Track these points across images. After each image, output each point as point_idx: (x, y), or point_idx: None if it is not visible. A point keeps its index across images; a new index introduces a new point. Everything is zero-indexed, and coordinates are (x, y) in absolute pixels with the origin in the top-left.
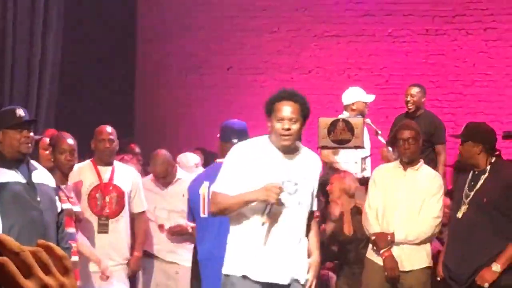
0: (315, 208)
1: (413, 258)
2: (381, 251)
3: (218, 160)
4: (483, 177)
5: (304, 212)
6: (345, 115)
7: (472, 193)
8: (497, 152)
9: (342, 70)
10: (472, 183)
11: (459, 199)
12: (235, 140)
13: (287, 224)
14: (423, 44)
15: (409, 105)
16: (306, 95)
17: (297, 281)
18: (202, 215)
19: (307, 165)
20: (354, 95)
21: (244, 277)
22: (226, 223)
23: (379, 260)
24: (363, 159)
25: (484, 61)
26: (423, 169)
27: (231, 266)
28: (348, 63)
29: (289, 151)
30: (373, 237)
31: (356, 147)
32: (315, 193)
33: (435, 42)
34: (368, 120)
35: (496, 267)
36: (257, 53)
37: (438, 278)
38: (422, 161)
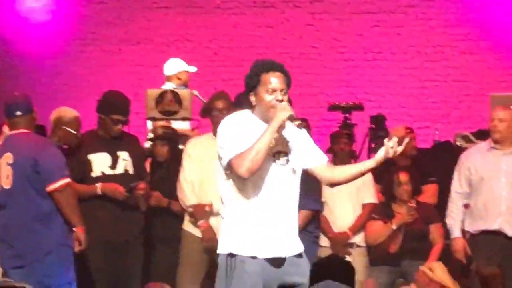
0: (325, 157)
1: None
2: (199, 222)
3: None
4: None
5: (297, 181)
6: (168, 86)
7: None
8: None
9: (170, 42)
10: None
11: None
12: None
13: (286, 195)
14: (251, 16)
15: None
16: (134, 66)
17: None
18: None
19: (292, 132)
20: (178, 65)
21: (253, 257)
22: None
23: (197, 232)
24: (191, 130)
25: (311, 33)
26: None
27: (237, 245)
28: (177, 34)
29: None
30: (190, 209)
31: (184, 119)
32: (313, 149)
33: (263, 15)
34: (195, 92)
35: None
36: (84, 24)
37: None
38: None
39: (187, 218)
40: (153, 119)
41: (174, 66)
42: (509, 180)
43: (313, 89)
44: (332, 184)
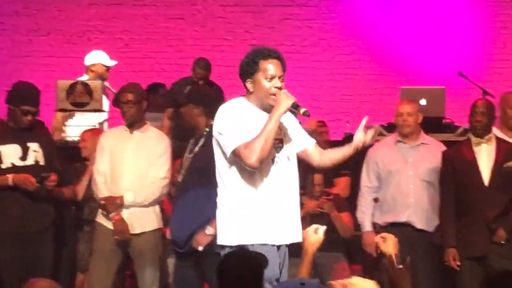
0: (312, 140)
1: (143, 220)
2: (111, 215)
3: None
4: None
5: (294, 166)
6: (84, 78)
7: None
8: None
9: (82, 32)
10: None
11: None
12: None
13: (287, 182)
14: (162, 8)
15: None
16: (45, 57)
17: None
18: None
19: (283, 118)
20: (95, 57)
21: (264, 244)
22: None
23: (109, 224)
24: (101, 123)
25: (223, 26)
26: (149, 131)
27: (248, 234)
28: (89, 25)
29: (270, 109)
30: (102, 202)
31: (95, 111)
32: (302, 132)
33: (175, 6)
34: (106, 84)
35: (209, 230)
36: None
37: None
38: (148, 123)
39: (100, 210)
40: (64, 110)
41: (91, 58)
42: (416, 173)
43: (225, 82)
44: (319, 166)
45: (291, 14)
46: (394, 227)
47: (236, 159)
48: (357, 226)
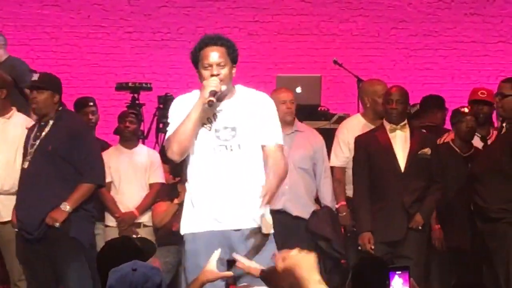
0: (272, 141)
1: (11, 209)
2: None
3: None
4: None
5: (248, 154)
6: None
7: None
8: None
9: None
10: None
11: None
12: None
13: (233, 169)
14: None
15: None
16: None
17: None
18: None
19: (246, 106)
20: None
21: (199, 233)
22: None
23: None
24: None
25: (99, 13)
26: (15, 117)
27: (185, 224)
28: None
29: (223, 97)
30: None
31: None
32: (267, 128)
33: None
34: None
35: (65, 206)
36: None
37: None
38: (14, 109)
39: None
40: None
41: None
42: (291, 160)
43: (101, 69)
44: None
45: (167, 1)
46: (272, 215)
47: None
48: None
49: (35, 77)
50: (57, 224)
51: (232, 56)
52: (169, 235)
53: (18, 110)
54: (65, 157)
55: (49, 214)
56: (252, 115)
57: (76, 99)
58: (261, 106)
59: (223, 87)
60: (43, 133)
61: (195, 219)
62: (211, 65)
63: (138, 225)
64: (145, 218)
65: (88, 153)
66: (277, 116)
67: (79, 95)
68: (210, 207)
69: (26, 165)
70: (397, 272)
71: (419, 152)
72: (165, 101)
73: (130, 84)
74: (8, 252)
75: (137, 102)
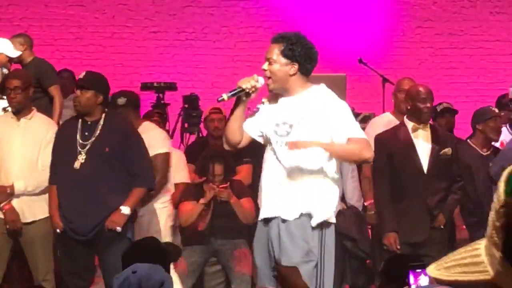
0: (341, 136)
1: (35, 209)
2: (1, 204)
3: None
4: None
5: (297, 152)
6: None
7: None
8: None
9: None
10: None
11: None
12: None
13: (282, 165)
14: None
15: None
16: None
17: (305, 215)
18: None
19: (309, 105)
20: None
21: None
22: None
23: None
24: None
25: (124, 13)
26: (36, 118)
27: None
28: None
29: (284, 93)
30: None
31: None
32: (335, 126)
33: None
34: (5, 71)
35: (125, 209)
36: None
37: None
38: (34, 109)
39: None
40: None
41: None
42: None
43: (125, 69)
44: None
45: (192, 1)
46: None
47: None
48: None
49: (81, 75)
50: (119, 229)
51: (289, 54)
52: (195, 235)
53: (41, 111)
54: (121, 159)
55: (111, 218)
56: (312, 115)
57: None
58: (321, 106)
59: (262, 81)
60: (96, 134)
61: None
62: (266, 60)
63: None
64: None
65: (141, 156)
66: (347, 114)
67: None
68: (265, 196)
69: (77, 165)
70: (417, 270)
71: (441, 153)
72: (190, 101)
73: (155, 84)
74: (32, 253)
75: (162, 102)
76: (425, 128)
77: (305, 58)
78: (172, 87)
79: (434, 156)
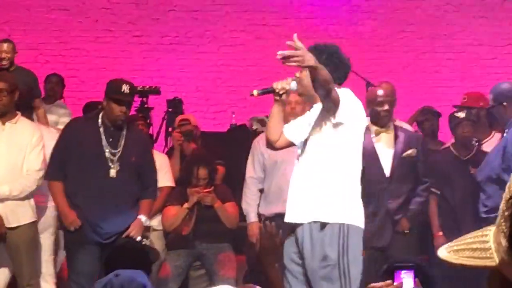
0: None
1: (19, 214)
2: None
3: None
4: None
5: (322, 152)
6: None
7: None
8: None
9: None
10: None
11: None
12: None
13: (307, 164)
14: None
15: (3, 62)
16: None
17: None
18: None
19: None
20: None
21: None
22: None
23: None
24: None
25: (107, 17)
26: (21, 122)
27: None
28: None
29: (310, 100)
30: None
31: None
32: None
33: None
34: None
35: (145, 220)
36: None
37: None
38: (19, 114)
39: None
40: None
41: None
42: None
43: (109, 73)
44: None
45: (175, 5)
46: (279, 218)
47: None
48: (243, 216)
49: (126, 89)
50: (139, 238)
51: (320, 55)
52: (179, 239)
53: None
54: (140, 170)
55: (134, 227)
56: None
57: (85, 103)
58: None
59: (293, 86)
60: (121, 142)
61: None
62: None
63: (148, 229)
64: (155, 222)
65: (154, 169)
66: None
67: (88, 99)
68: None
69: (113, 173)
70: (404, 271)
71: (403, 155)
72: (174, 105)
73: (138, 88)
74: (16, 258)
75: (145, 106)
76: (388, 131)
77: (330, 69)
78: (155, 91)
79: (397, 159)
